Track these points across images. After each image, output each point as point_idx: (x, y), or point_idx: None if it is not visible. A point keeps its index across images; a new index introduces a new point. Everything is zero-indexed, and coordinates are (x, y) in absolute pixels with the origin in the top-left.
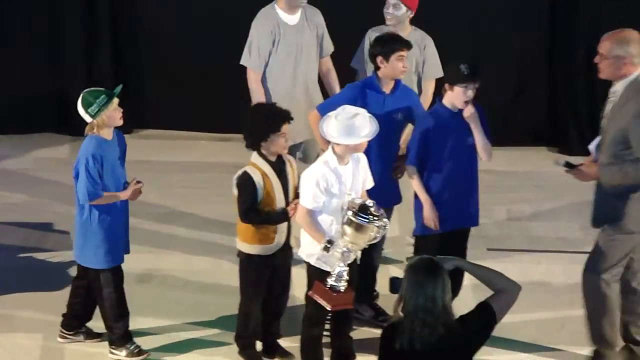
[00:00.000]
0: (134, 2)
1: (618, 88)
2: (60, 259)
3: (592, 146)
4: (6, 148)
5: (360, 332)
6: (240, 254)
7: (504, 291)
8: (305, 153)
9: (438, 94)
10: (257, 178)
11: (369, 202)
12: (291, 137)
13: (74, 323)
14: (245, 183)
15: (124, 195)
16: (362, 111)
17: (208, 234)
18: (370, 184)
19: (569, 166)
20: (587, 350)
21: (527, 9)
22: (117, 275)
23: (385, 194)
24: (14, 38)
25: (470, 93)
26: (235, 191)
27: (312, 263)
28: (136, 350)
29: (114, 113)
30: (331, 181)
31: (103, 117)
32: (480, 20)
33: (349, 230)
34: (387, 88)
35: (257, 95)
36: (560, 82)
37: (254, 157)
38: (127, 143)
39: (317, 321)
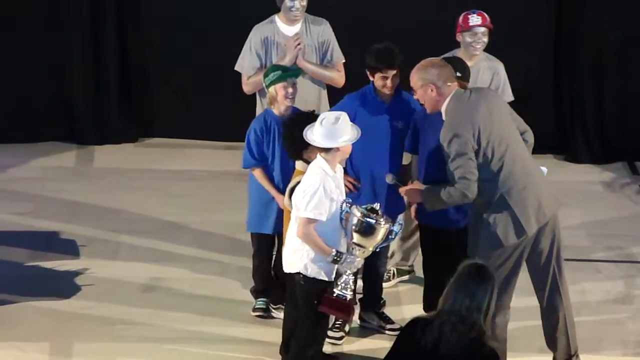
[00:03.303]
0: (140, 11)
1: (443, 112)
2: (67, 267)
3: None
4: (12, 157)
5: (368, 342)
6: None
7: None
8: None
9: None
10: None
11: (375, 205)
12: None
13: (281, 294)
14: None
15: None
16: (344, 115)
17: (213, 243)
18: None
19: (398, 185)
20: (590, 356)
21: (533, 14)
22: (264, 243)
23: (390, 203)
24: (18, 47)
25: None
26: (287, 201)
27: (319, 278)
28: (256, 307)
29: (280, 90)
30: (331, 187)
31: (271, 91)
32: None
33: (356, 235)
34: (385, 97)
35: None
36: (566, 88)
37: (302, 165)
38: (132, 151)
39: (315, 340)
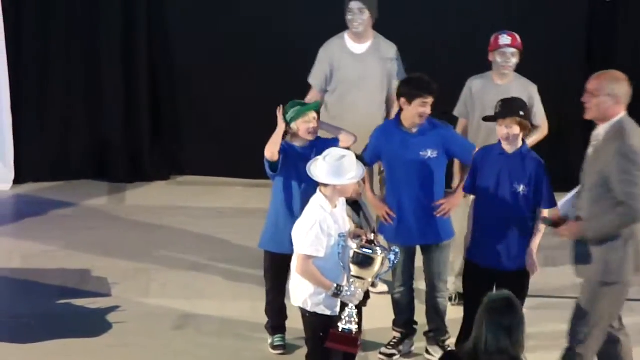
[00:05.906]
0: (171, 52)
1: (601, 131)
2: (99, 305)
3: (561, 204)
4: (45, 195)
5: None
6: None
7: None
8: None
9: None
10: None
11: (371, 236)
12: None
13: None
14: None
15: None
16: (349, 153)
17: (244, 280)
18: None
19: (553, 225)
20: None
21: (564, 53)
22: (275, 263)
23: (428, 230)
24: (53, 87)
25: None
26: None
27: (320, 312)
28: (275, 345)
29: (302, 125)
30: (330, 224)
31: (293, 127)
32: (518, 65)
33: (354, 267)
34: (410, 127)
35: None
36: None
37: None
38: (164, 189)
39: None
